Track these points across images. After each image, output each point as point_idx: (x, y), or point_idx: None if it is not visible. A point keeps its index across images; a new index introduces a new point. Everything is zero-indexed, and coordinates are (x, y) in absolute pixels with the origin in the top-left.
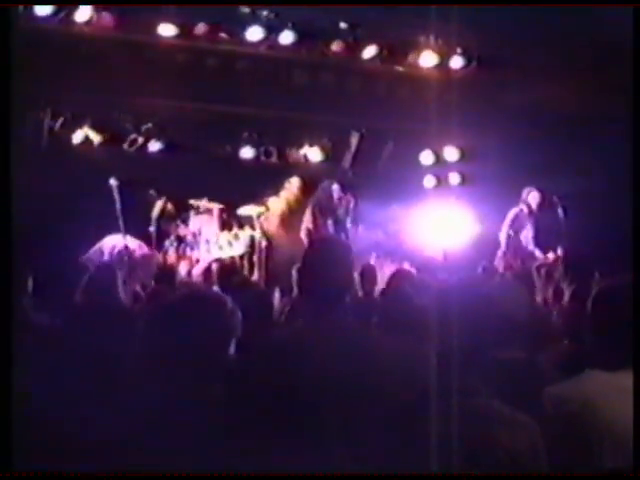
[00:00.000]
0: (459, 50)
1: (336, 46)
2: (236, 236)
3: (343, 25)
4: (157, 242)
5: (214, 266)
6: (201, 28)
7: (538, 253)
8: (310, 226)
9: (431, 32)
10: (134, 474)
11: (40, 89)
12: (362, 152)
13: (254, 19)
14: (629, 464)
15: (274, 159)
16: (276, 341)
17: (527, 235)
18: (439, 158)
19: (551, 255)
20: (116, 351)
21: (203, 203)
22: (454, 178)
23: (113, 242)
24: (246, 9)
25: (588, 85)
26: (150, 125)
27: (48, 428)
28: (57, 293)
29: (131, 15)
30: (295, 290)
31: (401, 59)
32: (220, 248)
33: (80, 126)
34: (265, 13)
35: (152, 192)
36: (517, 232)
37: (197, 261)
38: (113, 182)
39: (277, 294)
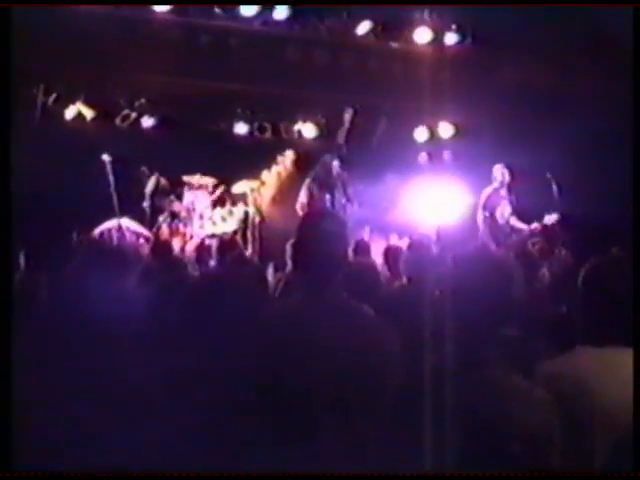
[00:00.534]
0: (454, 26)
1: (330, 22)
2: (230, 212)
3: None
4: (151, 218)
5: (209, 242)
6: (195, 4)
7: (520, 225)
8: (305, 200)
9: (426, 8)
10: (134, 474)
11: (33, 65)
12: (356, 128)
13: None
14: (620, 441)
15: (268, 135)
16: (271, 316)
17: (502, 212)
18: (433, 134)
19: (535, 225)
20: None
21: (196, 179)
22: (448, 154)
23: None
24: None
25: (582, 63)
26: (143, 101)
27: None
28: (50, 268)
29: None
30: (289, 265)
31: (395, 35)
32: (214, 224)
33: (73, 102)
34: None
35: (144, 169)
36: (492, 212)
37: (191, 237)
38: (106, 158)
39: (271, 269)
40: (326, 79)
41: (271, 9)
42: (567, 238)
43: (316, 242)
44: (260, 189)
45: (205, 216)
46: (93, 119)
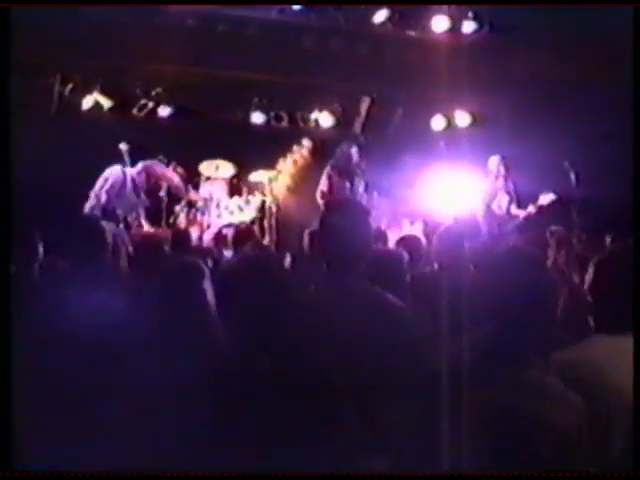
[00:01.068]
0: (470, 14)
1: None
2: (247, 201)
3: None
4: (168, 207)
5: (226, 231)
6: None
7: (516, 211)
8: (325, 189)
9: None
10: (134, 474)
11: (50, 55)
12: (372, 117)
13: None
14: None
15: (284, 124)
16: (290, 305)
17: (500, 203)
18: (450, 123)
19: (530, 208)
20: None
21: (215, 166)
22: (465, 142)
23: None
24: None
25: (597, 50)
26: (160, 90)
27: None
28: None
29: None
30: (307, 253)
31: (412, 24)
32: (231, 213)
33: (90, 92)
34: None
35: (161, 157)
36: (489, 205)
37: (208, 226)
38: (123, 147)
39: (288, 258)
40: (343, 68)
41: None
42: (582, 226)
43: (340, 230)
44: (277, 178)
45: (222, 205)
46: (110, 109)
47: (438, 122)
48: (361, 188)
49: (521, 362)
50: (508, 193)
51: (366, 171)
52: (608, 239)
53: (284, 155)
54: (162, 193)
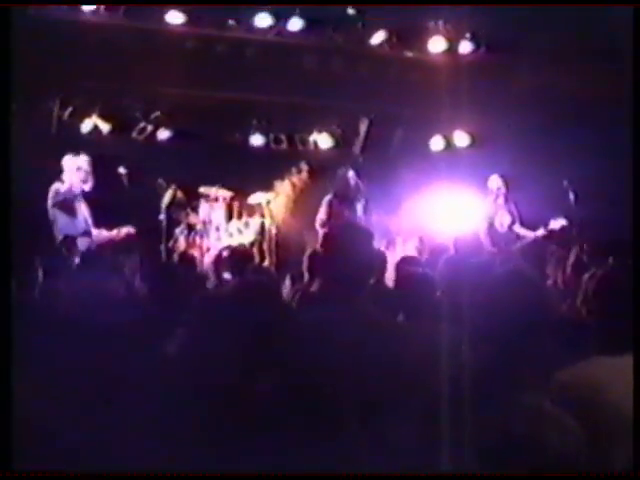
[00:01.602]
0: (468, 35)
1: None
2: (246, 224)
3: (351, 11)
4: (167, 230)
5: (226, 254)
6: (209, 15)
7: (525, 232)
8: (324, 217)
9: (440, 17)
10: (134, 474)
11: (49, 79)
12: (372, 138)
13: (262, 6)
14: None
15: (284, 146)
16: (295, 328)
17: (502, 222)
18: (449, 143)
19: (541, 231)
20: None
21: (213, 191)
22: (464, 163)
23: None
24: None
25: (597, 69)
26: (159, 113)
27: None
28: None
29: (139, 3)
30: (306, 276)
31: (410, 44)
32: (230, 235)
33: (89, 115)
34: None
35: (161, 181)
36: (491, 223)
37: (208, 249)
38: (122, 170)
39: (288, 281)
40: (341, 89)
41: (285, 20)
42: (582, 245)
43: (343, 254)
44: (276, 200)
45: (222, 228)
46: (109, 132)
47: (437, 143)
48: (360, 210)
49: (519, 385)
50: (510, 212)
51: (365, 192)
52: (610, 259)
53: (283, 177)
54: (162, 217)
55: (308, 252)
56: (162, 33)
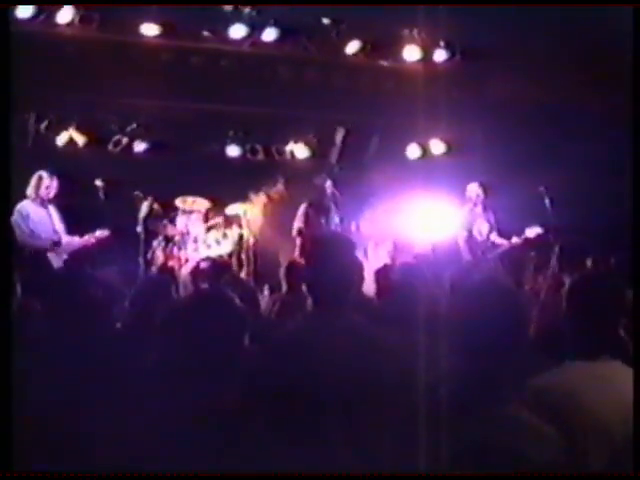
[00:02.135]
0: (442, 43)
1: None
2: (224, 235)
3: (326, 21)
4: (145, 242)
5: (204, 265)
6: (184, 27)
7: (500, 240)
8: (302, 225)
9: (414, 26)
10: (134, 474)
11: (24, 92)
12: (348, 147)
13: (237, 17)
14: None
15: (260, 157)
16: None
17: (480, 230)
18: (426, 151)
19: (515, 240)
20: None
21: (190, 202)
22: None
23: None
24: (228, 7)
25: (572, 77)
26: (135, 125)
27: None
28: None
29: (113, 15)
30: (284, 287)
31: (385, 53)
32: (208, 247)
33: (65, 128)
34: (247, 11)
35: (138, 193)
36: (470, 230)
37: (186, 260)
38: (99, 183)
39: (266, 291)
40: (317, 99)
41: (260, 31)
42: (558, 252)
43: (326, 264)
44: (253, 210)
45: (199, 239)
46: (85, 145)
47: (413, 151)
48: (337, 219)
49: (496, 395)
50: (488, 220)
51: (342, 201)
52: (589, 262)
53: (260, 188)
54: (139, 229)
55: (286, 262)
56: (137, 45)
